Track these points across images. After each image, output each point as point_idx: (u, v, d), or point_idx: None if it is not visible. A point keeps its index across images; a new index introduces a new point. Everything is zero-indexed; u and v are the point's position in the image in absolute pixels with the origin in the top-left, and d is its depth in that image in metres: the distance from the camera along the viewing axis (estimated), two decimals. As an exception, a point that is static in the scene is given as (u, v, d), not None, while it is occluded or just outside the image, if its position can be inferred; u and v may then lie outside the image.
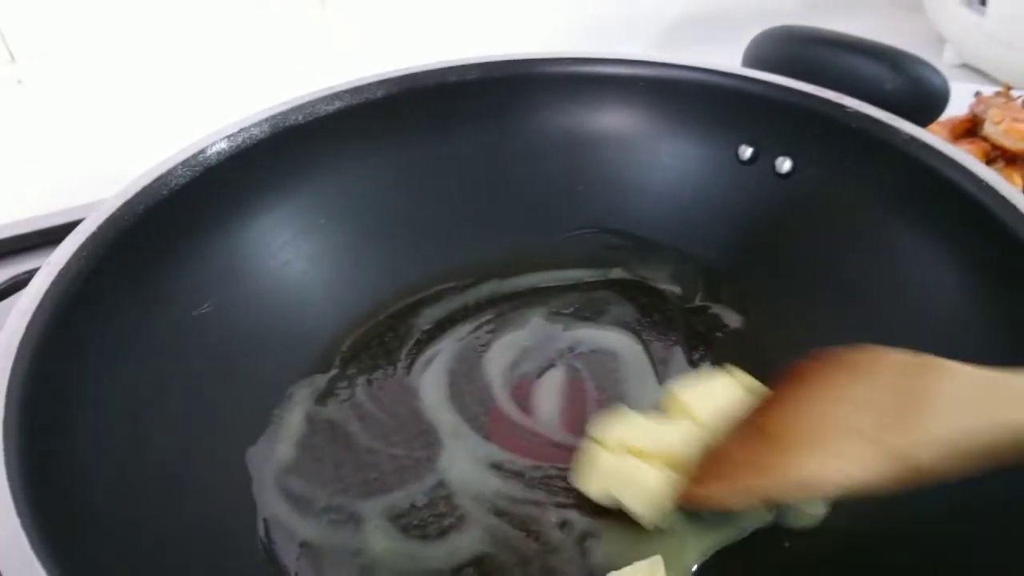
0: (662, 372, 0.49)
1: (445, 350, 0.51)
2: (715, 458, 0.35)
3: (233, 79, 0.78)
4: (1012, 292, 0.39)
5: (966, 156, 0.44)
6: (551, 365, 0.50)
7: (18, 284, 0.58)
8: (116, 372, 0.39)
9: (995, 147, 0.67)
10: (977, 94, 0.73)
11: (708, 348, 0.51)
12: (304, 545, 0.40)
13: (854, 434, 0.29)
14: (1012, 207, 0.40)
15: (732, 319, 0.52)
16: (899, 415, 0.28)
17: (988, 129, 0.68)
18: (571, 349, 0.51)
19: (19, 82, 0.76)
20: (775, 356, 0.43)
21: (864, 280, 0.48)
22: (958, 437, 0.27)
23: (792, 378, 0.34)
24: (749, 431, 0.34)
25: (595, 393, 0.48)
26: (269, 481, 0.43)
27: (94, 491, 0.34)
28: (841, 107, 0.49)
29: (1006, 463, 0.26)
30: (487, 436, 0.46)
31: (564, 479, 0.43)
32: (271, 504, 0.42)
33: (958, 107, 0.72)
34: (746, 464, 0.33)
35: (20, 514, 0.27)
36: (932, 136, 0.46)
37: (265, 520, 0.41)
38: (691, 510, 0.36)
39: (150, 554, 0.34)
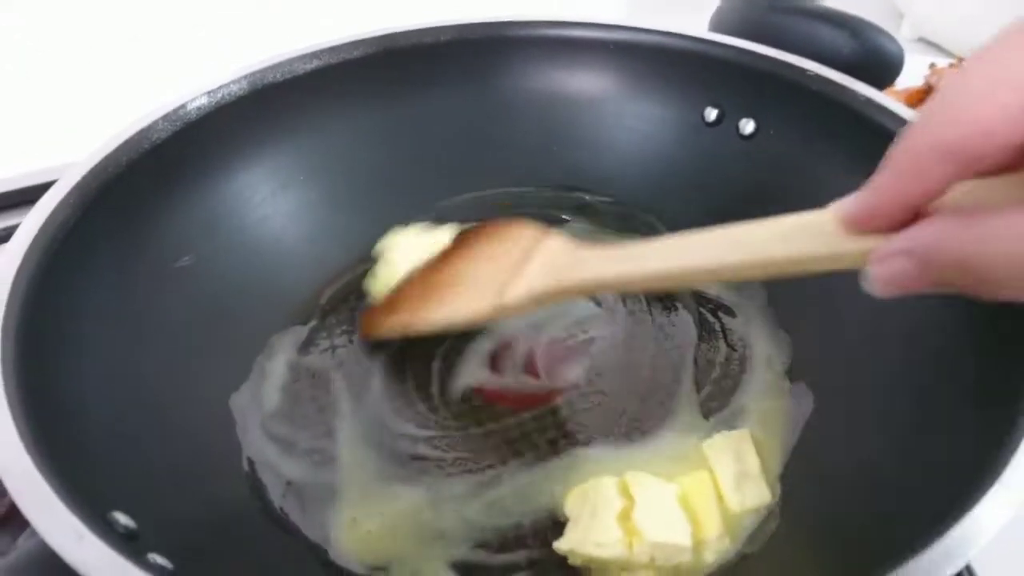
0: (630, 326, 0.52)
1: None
2: (395, 296, 0.46)
3: (211, 39, 0.78)
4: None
5: (915, 114, 0.46)
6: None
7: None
8: (101, 317, 0.40)
9: (947, 115, 0.70)
10: (932, 66, 0.76)
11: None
12: (289, 484, 0.42)
13: (481, 283, 0.41)
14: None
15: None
16: (510, 271, 0.39)
17: (941, 98, 0.71)
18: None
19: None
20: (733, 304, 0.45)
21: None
22: (535, 288, 0.38)
23: (455, 242, 0.45)
24: (420, 278, 0.45)
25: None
26: (253, 424, 0.44)
27: (85, 425, 0.35)
28: (802, 70, 0.51)
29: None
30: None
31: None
32: (256, 445, 0.44)
33: (914, 78, 0.75)
34: (411, 302, 0.44)
35: (25, 445, 0.29)
36: (888, 98, 0.48)
37: (250, 460, 0.43)
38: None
39: (140, 488, 0.35)
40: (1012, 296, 0.22)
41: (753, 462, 0.42)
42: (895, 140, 0.25)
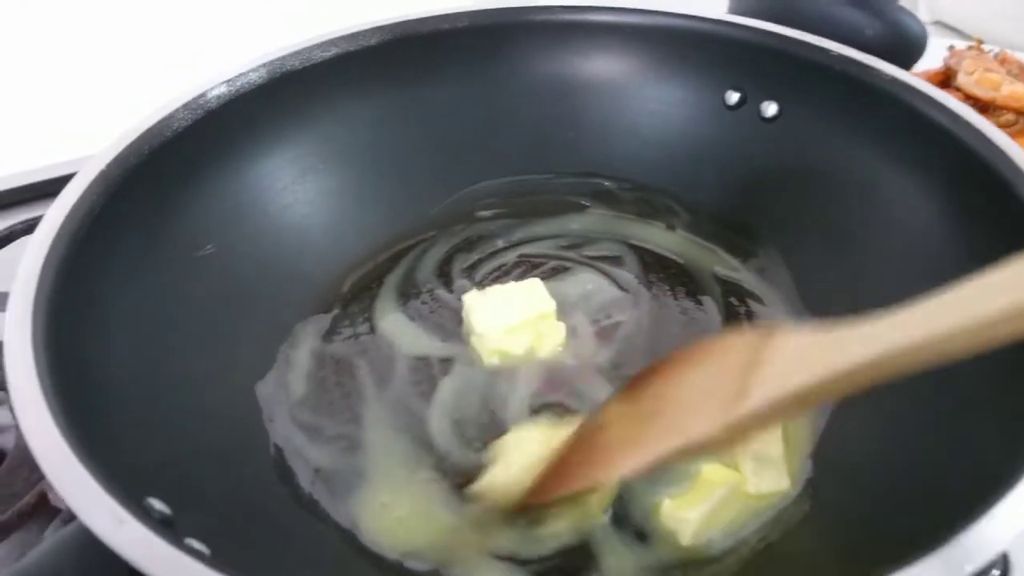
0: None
1: (440, 290, 0.53)
2: (561, 459, 0.38)
3: (229, 27, 0.78)
4: (982, 215, 0.41)
5: (943, 94, 0.46)
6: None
7: (14, 234, 0.59)
8: (127, 307, 0.40)
9: (968, 96, 0.69)
10: (951, 48, 0.75)
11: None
12: (318, 471, 0.42)
13: (704, 405, 0.33)
14: (985, 139, 0.42)
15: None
16: (737, 384, 0.32)
17: (961, 80, 0.70)
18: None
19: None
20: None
21: (849, 218, 0.50)
22: (780, 393, 0.31)
23: (657, 367, 0.37)
24: (619, 415, 0.37)
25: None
26: (280, 412, 0.44)
27: (115, 414, 0.35)
28: (824, 51, 0.51)
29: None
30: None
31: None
32: (283, 433, 0.44)
33: (933, 60, 0.74)
34: (620, 446, 0.36)
35: (62, 432, 0.29)
36: (912, 76, 0.48)
37: (277, 447, 0.43)
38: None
39: (172, 474, 0.35)
40: None
41: (776, 449, 0.42)
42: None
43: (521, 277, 0.52)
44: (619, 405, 0.38)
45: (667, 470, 0.40)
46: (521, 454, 0.40)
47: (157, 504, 0.30)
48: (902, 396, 0.41)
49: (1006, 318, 0.26)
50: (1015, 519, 0.27)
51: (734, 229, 0.55)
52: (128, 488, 0.28)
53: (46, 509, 0.42)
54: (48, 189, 0.65)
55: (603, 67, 0.59)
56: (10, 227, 0.58)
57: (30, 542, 0.42)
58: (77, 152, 0.64)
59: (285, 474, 0.42)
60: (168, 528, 0.29)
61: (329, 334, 0.50)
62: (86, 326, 0.36)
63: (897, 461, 0.39)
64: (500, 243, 0.57)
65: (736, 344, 0.34)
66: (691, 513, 0.38)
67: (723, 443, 0.33)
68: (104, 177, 0.41)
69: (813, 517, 0.40)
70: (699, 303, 0.52)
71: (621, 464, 0.35)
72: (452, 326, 0.50)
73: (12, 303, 0.33)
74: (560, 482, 0.37)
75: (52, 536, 0.34)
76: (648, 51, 0.58)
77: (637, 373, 0.38)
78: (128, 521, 0.26)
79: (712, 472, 0.40)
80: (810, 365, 0.30)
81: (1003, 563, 0.40)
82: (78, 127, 0.66)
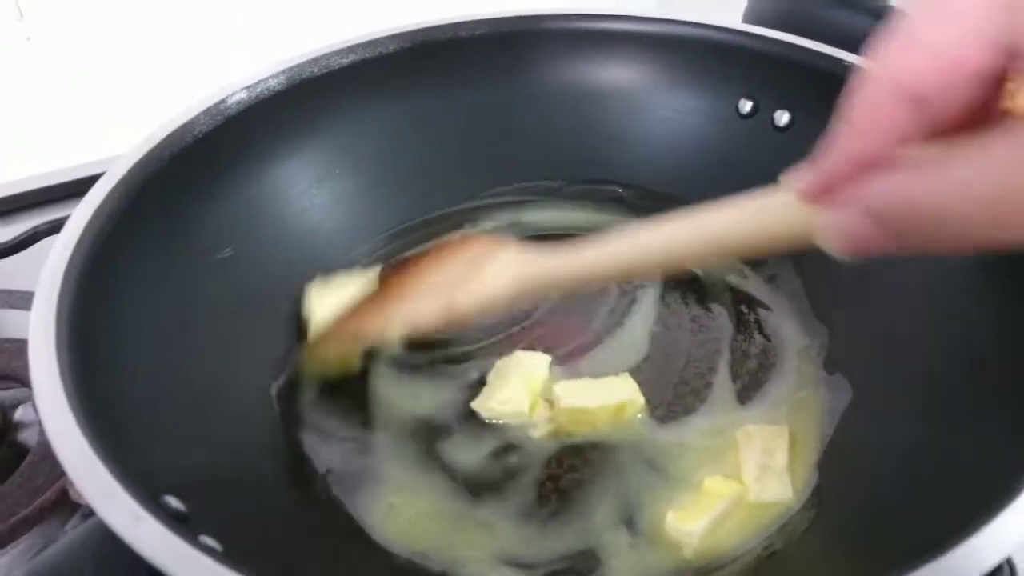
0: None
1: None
2: (341, 319, 0.46)
3: (249, 34, 0.79)
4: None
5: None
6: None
7: (38, 235, 0.60)
8: (148, 308, 0.41)
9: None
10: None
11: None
12: (329, 471, 0.43)
13: (434, 291, 0.42)
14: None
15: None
16: (462, 279, 0.41)
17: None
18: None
19: (28, 39, 0.77)
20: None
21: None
22: (486, 292, 0.40)
23: (409, 259, 0.47)
24: (378, 293, 0.46)
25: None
26: (294, 413, 0.45)
27: (133, 412, 0.36)
28: (838, 60, 0.51)
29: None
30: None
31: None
32: (296, 433, 0.44)
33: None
34: (369, 313, 0.44)
35: (82, 431, 0.30)
36: (924, 88, 0.48)
37: (290, 446, 0.43)
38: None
39: (188, 472, 0.36)
40: (968, 249, 0.22)
41: (781, 458, 0.42)
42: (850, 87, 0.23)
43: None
44: (389, 278, 0.46)
45: (670, 480, 0.42)
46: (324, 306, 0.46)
47: (173, 502, 0.31)
48: (909, 404, 0.42)
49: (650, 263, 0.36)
50: (1019, 526, 0.27)
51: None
52: (145, 486, 0.29)
53: (67, 503, 0.43)
54: (70, 191, 0.67)
55: (617, 75, 0.59)
56: (35, 227, 0.60)
57: (52, 535, 0.43)
58: (99, 154, 0.66)
59: (298, 474, 0.42)
60: (183, 525, 0.30)
61: (344, 336, 0.50)
62: (107, 326, 0.37)
63: (903, 469, 0.39)
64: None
65: (466, 250, 0.42)
66: (695, 526, 0.39)
67: (439, 326, 0.42)
68: (126, 181, 0.42)
69: (818, 525, 0.40)
70: (709, 311, 0.52)
71: (385, 323, 0.43)
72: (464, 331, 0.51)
73: (36, 303, 0.34)
74: (350, 327, 0.45)
75: (72, 531, 0.35)
76: (662, 59, 0.58)
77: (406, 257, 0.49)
78: (145, 518, 0.26)
79: (714, 483, 0.41)
80: (506, 278, 0.39)
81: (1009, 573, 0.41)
82: (101, 130, 0.67)
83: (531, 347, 0.49)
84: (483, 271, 0.40)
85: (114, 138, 0.56)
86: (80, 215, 0.39)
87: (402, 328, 0.42)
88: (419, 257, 0.45)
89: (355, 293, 0.46)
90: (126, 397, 0.35)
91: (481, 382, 0.47)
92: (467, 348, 0.50)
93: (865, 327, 0.47)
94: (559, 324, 0.51)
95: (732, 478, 0.42)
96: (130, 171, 0.43)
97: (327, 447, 0.44)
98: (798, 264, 0.53)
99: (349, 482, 0.42)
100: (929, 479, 0.37)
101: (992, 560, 0.26)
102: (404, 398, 0.47)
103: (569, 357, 0.49)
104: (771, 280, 0.54)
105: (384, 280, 0.46)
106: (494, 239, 0.42)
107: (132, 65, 0.79)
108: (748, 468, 0.42)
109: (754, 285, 0.54)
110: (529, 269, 0.39)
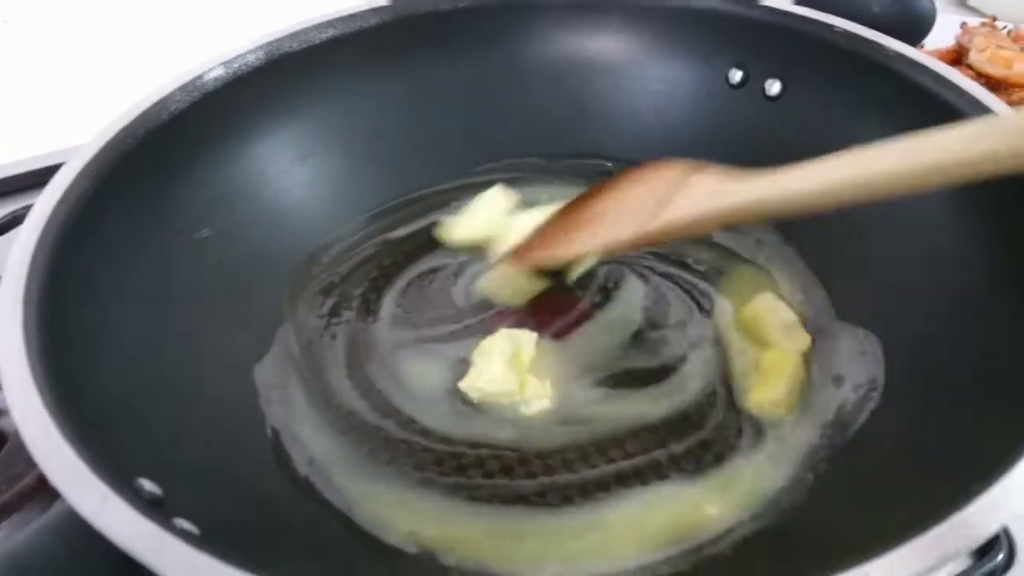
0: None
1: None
2: (540, 232, 0.48)
3: (226, 8, 0.78)
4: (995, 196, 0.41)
5: (951, 70, 0.45)
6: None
7: (17, 220, 0.59)
8: (122, 289, 0.40)
9: (979, 75, 0.68)
10: (963, 25, 0.74)
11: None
12: (311, 455, 0.42)
13: (628, 214, 0.43)
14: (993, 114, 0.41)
15: (723, 238, 0.54)
16: (655, 205, 0.41)
17: (973, 57, 0.69)
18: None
19: (5, 22, 0.76)
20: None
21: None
22: (683, 217, 0.40)
23: (598, 185, 0.47)
24: (565, 215, 0.47)
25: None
26: (277, 395, 0.44)
27: (108, 395, 0.35)
28: (829, 27, 0.50)
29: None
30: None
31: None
32: (279, 416, 0.43)
33: (945, 38, 0.73)
34: (562, 235, 0.46)
35: (51, 414, 0.29)
36: (919, 53, 0.47)
37: (274, 429, 0.43)
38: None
39: (165, 455, 0.35)
40: None
41: (787, 313, 0.47)
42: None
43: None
44: (579, 204, 0.47)
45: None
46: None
47: (148, 485, 0.30)
48: (909, 373, 0.41)
49: (848, 190, 0.34)
50: (1016, 496, 0.27)
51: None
52: (117, 468, 0.28)
53: (47, 490, 0.42)
54: (50, 176, 0.65)
55: (605, 47, 0.58)
56: (12, 212, 0.58)
57: (31, 523, 0.42)
58: (77, 139, 0.64)
59: (282, 456, 0.41)
60: (157, 508, 0.29)
61: (328, 317, 0.49)
62: (79, 308, 0.36)
63: (900, 438, 0.39)
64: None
65: (663, 173, 0.43)
66: (776, 394, 0.43)
67: (637, 245, 0.44)
68: (99, 159, 0.41)
69: (817, 495, 0.39)
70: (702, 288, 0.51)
71: (576, 244, 0.45)
72: (450, 309, 0.50)
73: (5, 283, 0.33)
74: (537, 250, 0.47)
75: (44, 515, 0.34)
76: (650, 30, 0.57)
77: (593, 186, 0.47)
78: (111, 500, 0.26)
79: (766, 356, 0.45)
80: (706, 202, 0.40)
81: (1008, 547, 0.40)
82: (77, 114, 0.65)
83: (517, 326, 0.48)
84: (681, 195, 0.41)
85: (91, 123, 0.55)
86: (50, 194, 0.38)
87: (595, 249, 0.45)
88: (612, 181, 0.46)
89: (539, 216, 0.48)
90: (100, 379, 0.35)
91: (466, 361, 0.46)
92: (453, 327, 0.49)
93: (864, 282, 0.47)
94: (545, 303, 0.50)
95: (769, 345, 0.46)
96: (103, 149, 0.42)
97: (308, 430, 0.43)
98: (787, 234, 0.53)
99: (330, 465, 0.41)
100: (923, 449, 0.37)
101: (989, 528, 0.26)
102: (387, 380, 0.46)
103: (558, 335, 0.48)
104: (759, 243, 0.53)
105: (574, 203, 0.47)
106: (692, 164, 0.42)
107: (107, 47, 0.77)
108: (774, 331, 0.46)
109: (743, 246, 0.53)
110: (730, 196, 0.39)
